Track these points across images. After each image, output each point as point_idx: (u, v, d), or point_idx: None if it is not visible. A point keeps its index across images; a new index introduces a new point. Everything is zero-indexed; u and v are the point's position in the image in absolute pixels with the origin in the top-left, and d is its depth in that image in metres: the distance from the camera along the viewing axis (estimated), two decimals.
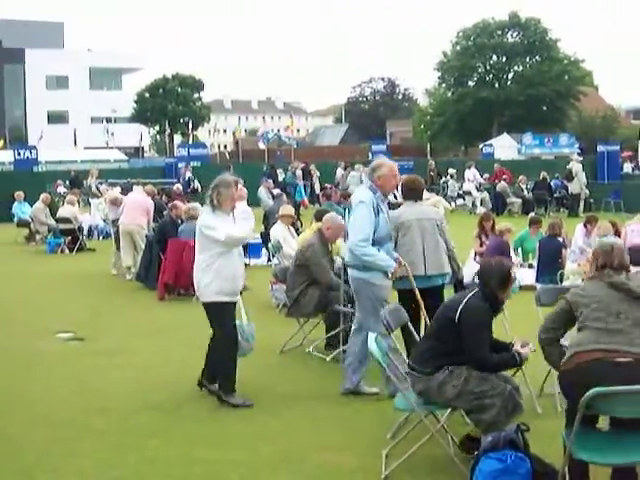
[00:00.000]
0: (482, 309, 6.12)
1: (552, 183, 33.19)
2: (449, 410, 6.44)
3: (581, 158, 34.48)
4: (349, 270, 8.06)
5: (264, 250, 17.84)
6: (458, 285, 9.00)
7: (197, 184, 32.17)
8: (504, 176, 34.25)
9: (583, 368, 5.30)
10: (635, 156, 50.33)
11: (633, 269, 6.01)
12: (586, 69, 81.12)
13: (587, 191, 31.70)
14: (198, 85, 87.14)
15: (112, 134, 71.09)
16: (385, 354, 6.26)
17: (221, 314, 7.97)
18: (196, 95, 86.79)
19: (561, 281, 13.31)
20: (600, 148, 41.26)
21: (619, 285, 5.54)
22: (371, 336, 6.25)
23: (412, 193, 8.97)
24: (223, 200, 7.96)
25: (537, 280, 13.75)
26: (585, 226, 15.80)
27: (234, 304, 8.13)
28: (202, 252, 7.99)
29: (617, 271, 5.64)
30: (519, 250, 15.75)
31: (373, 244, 7.70)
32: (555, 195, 32.67)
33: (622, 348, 5.26)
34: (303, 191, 32.45)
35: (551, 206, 32.22)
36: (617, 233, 14.19)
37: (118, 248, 17.34)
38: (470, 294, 6.21)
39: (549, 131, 61.28)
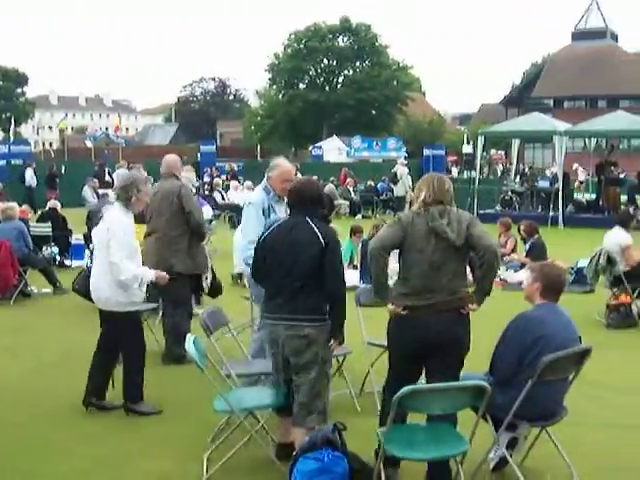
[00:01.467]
0: None
1: (379, 185, 34.00)
2: (269, 410, 6.49)
3: (406, 162, 35.35)
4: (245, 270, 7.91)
5: (87, 251, 17.41)
6: None
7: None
8: (348, 179, 34.76)
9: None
10: (460, 160, 52.13)
11: None
12: (414, 75, 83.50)
13: (412, 193, 32.45)
14: (21, 79, 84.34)
15: None
16: (204, 356, 6.23)
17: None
18: (19, 90, 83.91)
19: None
20: (426, 152, 42.31)
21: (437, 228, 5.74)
22: (189, 337, 6.21)
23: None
24: (139, 200, 7.67)
25: (360, 279, 14.02)
26: None
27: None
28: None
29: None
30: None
31: None
32: (381, 197, 33.43)
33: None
34: None
35: (377, 208, 32.95)
36: None
37: None
38: None
39: (378, 135, 62.79)
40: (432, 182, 5.95)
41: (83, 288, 9.90)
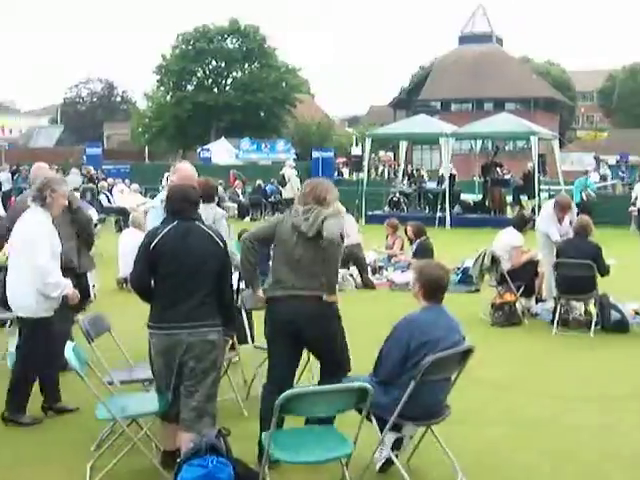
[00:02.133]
0: None
1: (267, 188, 34.01)
2: (153, 417, 6.40)
3: (294, 164, 35.44)
4: None
5: None
6: None
7: None
8: (236, 182, 34.62)
9: None
10: (349, 162, 52.59)
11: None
12: (303, 77, 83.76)
13: None
14: None
15: None
16: (84, 363, 6.10)
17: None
18: None
19: None
20: (315, 154, 42.53)
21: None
22: (68, 345, 6.06)
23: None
24: (55, 200, 7.38)
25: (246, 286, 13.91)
26: None
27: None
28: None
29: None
30: None
31: None
32: (270, 200, 33.47)
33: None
34: None
35: (266, 210, 32.99)
36: None
37: None
38: None
39: (267, 137, 62.73)
40: (308, 185, 6.54)
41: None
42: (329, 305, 6.23)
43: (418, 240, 15.61)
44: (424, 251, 15.09)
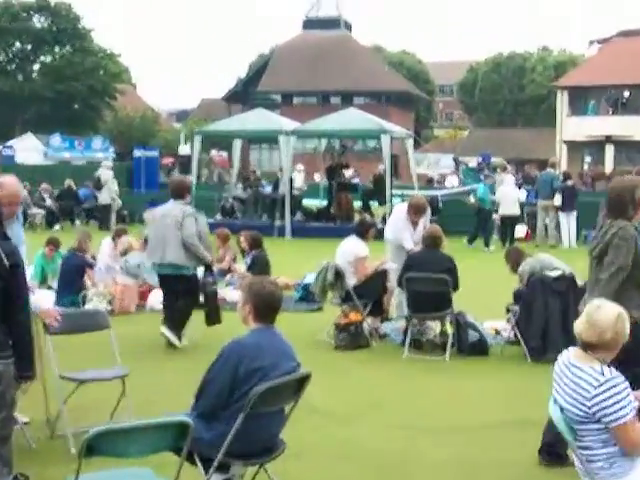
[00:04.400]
0: None
1: (80, 192, 33.41)
2: None
3: (111, 164, 34.94)
4: None
5: None
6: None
7: None
8: (43, 185, 33.79)
9: None
10: (176, 162, 52.33)
11: None
12: (123, 64, 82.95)
13: (120, 201, 32.00)
14: None
15: None
16: None
17: None
18: None
19: (83, 303, 13.50)
20: (137, 153, 41.99)
21: None
22: None
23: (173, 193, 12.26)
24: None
25: (57, 303, 13.66)
26: (113, 240, 16.00)
27: None
28: None
29: None
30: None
31: None
32: (84, 205, 32.97)
33: None
34: None
35: (79, 218, 32.46)
36: None
37: None
38: None
39: (81, 133, 61.76)
40: None
41: None
42: None
43: (253, 252, 15.62)
44: (260, 264, 15.13)
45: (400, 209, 13.58)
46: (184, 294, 12.12)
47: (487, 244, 25.18)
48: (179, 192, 12.23)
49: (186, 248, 11.83)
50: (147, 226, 14.67)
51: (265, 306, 6.03)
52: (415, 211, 13.04)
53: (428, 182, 48.17)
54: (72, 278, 14.42)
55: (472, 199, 27.16)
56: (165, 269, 12.11)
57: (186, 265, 12.02)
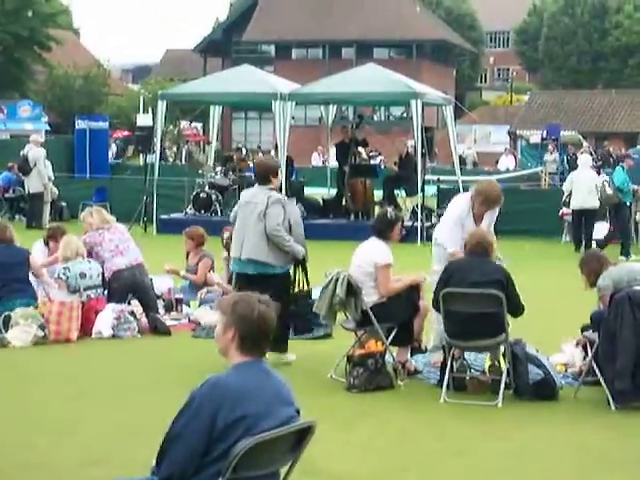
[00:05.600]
0: None
1: (1, 176, 33.40)
2: None
3: (43, 139, 34.88)
4: None
5: None
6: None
7: None
8: None
9: None
10: (133, 136, 52.37)
11: None
12: (61, 3, 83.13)
13: (55, 190, 31.78)
14: None
15: None
16: None
17: None
18: None
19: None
20: (81, 124, 41.69)
21: None
22: None
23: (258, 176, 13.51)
24: None
25: None
26: (46, 243, 15.95)
27: None
28: None
29: None
30: None
31: None
32: (6, 195, 33.14)
33: None
34: None
35: (2, 211, 32.46)
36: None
37: None
38: None
39: (4, 96, 61.84)
40: None
41: None
42: None
43: None
44: None
45: (460, 201, 13.32)
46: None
47: (627, 252, 24.30)
48: (265, 175, 13.25)
49: (270, 242, 12.71)
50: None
51: (254, 334, 5.94)
52: (484, 200, 12.76)
53: (474, 165, 48.24)
54: None
55: (609, 189, 25.23)
56: (243, 266, 13.01)
57: (269, 263, 12.83)
